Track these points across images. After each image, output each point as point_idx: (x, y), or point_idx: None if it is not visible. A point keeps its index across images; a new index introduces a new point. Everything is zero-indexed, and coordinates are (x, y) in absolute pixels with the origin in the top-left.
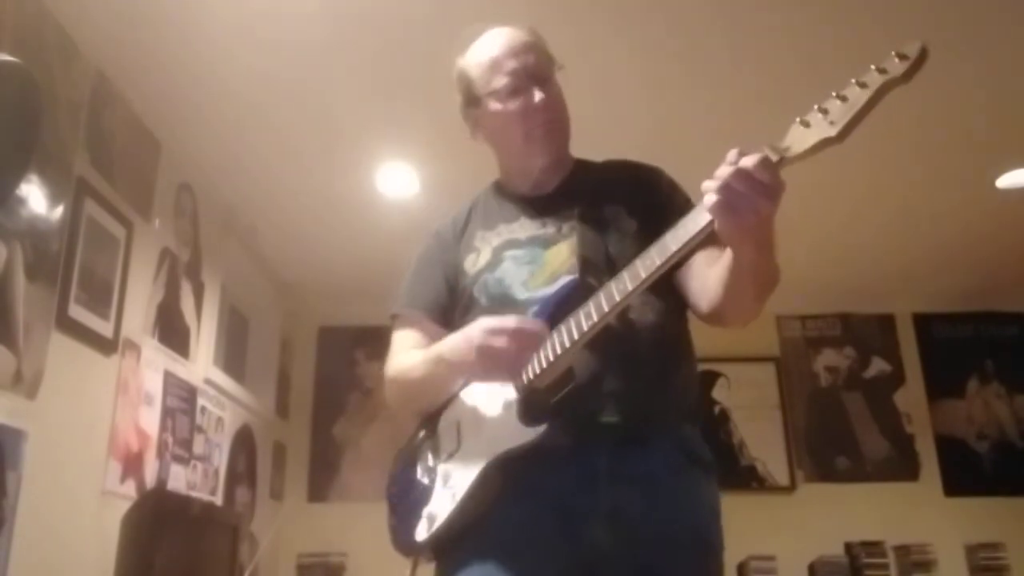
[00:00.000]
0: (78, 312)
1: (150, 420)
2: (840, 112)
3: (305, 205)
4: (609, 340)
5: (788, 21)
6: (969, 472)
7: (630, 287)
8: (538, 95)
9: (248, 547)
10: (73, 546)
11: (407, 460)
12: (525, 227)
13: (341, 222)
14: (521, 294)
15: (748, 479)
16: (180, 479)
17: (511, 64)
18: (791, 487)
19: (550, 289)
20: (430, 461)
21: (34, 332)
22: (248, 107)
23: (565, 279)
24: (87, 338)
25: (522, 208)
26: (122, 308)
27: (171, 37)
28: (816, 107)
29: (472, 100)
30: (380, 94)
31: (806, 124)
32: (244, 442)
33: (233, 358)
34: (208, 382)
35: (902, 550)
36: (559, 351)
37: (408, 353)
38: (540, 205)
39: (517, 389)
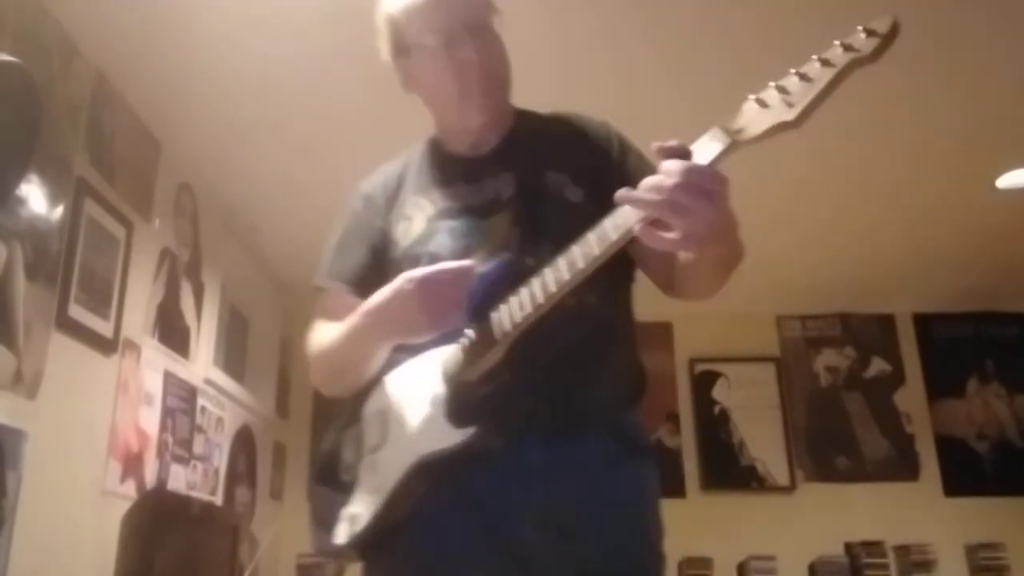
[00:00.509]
0: (78, 312)
1: (150, 420)
2: (799, 93)
3: (305, 204)
4: (544, 326)
5: None
6: (969, 472)
7: (566, 277)
8: (474, 49)
9: (248, 547)
10: (73, 546)
11: (331, 451)
12: (461, 194)
13: None
14: None
15: (748, 479)
16: (180, 479)
17: (444, 14)
18: (791, 487)
19: (485, 268)
20: (353, 455)
21: (34, 332)
22: (248, 107)
23: (501, 257)
24: (87, 338)
25: (458, 171)
26: (122, 308)
27: (171, 37)
28: (773, 84)
29: (402, 50)
30: (380, 93)
31: (762, 104)
32: (244, 442)
33: (233, 358)
34: (208, 382)
35: (902, 550)
36: (489, 342)
37: (328, 327)
38: (478, 167)
39: (446, 381)
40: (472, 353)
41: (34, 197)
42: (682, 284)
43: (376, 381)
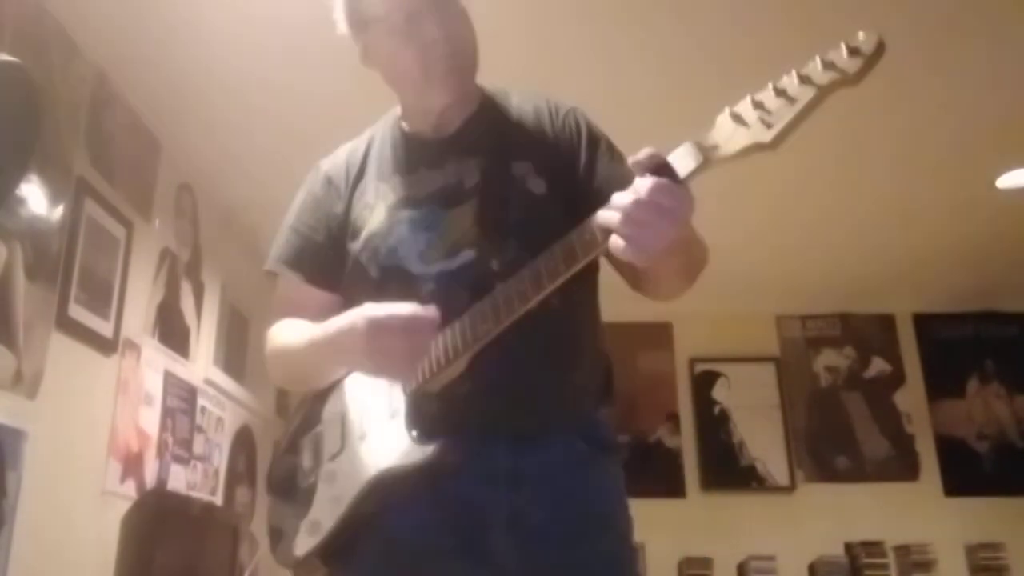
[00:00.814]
0: (78, 312)
1: (150, 420)
2: (777, 112)
3: None
4: (507, 334)
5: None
6: (969, 472)
7: (531, 294)
8: (437, 25)
9: (248, 547)
10: (73, 546)
11: (289, 452)
12: (424, 181)
13: None
14: (416, 267)
15: (748, 479)
16: (180, 479)
17: None
18: (791, 487)
19: (448, 265)
20: (312, 459)
21: (34, 332)
22: (248, 106)
23: (464, 256)
24: (87, 338)
25: (422, 154)
26: (122, 308)
27: (171, 37)
28: (750, 98)
29: (359, 23)
30: (380, 93)
31: (739, 120)
32: (244, 442)
33: (233, 358)
34: (208, 382)
35: (902, 550)
36: (451, 355)
37: (291, 326)
38: (442, 150)
39: (405, 392)
40: (433, 365)
41: (34, 197)
42: (646, 287)
43: (336, 382)
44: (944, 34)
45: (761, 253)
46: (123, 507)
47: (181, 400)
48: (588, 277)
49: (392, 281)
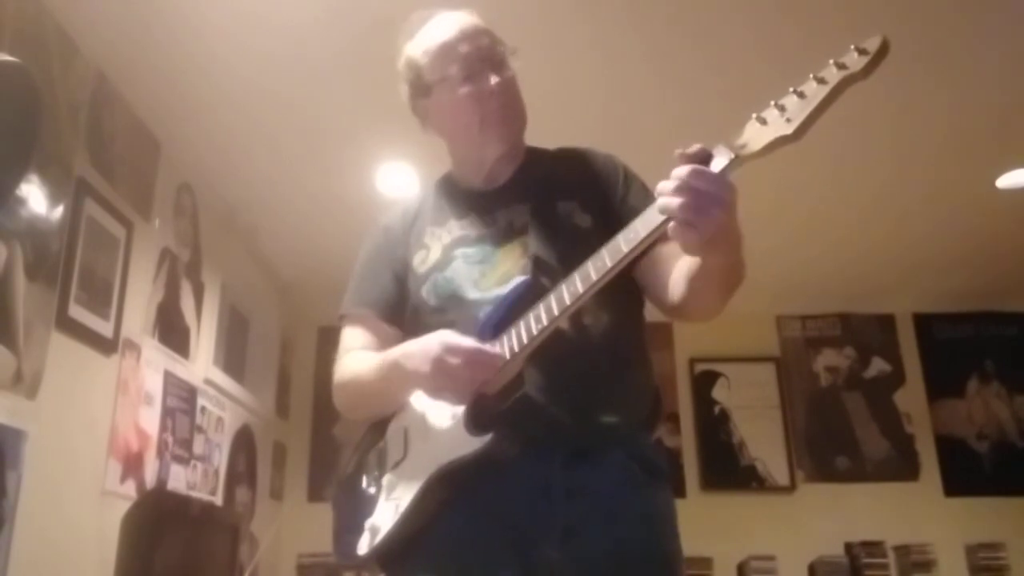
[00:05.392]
0: (78, 312)
1: (150, 420)
2: (797, 109)
3: (305, 205)
4: (561, 346)
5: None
6: (969, 472)
7: (580, 289)
8: (493, 78)
9: (248, 547)
10: (73, 546)
11: (355, 466)
12: (476, 224)
13: (341, 222)
14: (472, 294)
15: (748, 479)
16: (180, 479)
17: (463, 48)
18: (791, 487)
19: (502, 290)
20: (376, 470)
21: (34, 332)
22: (248, 107)
23: (517, 280)
24: (87, 338)
25: (473, 203)
26: (122, 308)
27: (171, 37)
28: (773, 103)
29: (422, 90)
30: (380, 93)
31: (763, 121)
32: (244, 442)
33: (233, 358)
34: (208, 382)
35: (902, 550)
36: (508, 356)
37: (358, 356)
38: (492, 199)
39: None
40: None
41: (34, 197)
42: (687, 299)
43: (399, 408)
44: (945, 35)
45: (762, 253)
46: (123, 507)
47: (181, 400)
48: (636, 306)
49: (450, 307)
